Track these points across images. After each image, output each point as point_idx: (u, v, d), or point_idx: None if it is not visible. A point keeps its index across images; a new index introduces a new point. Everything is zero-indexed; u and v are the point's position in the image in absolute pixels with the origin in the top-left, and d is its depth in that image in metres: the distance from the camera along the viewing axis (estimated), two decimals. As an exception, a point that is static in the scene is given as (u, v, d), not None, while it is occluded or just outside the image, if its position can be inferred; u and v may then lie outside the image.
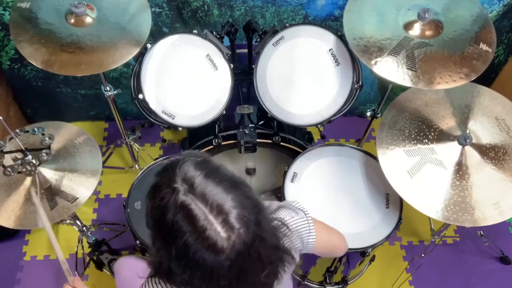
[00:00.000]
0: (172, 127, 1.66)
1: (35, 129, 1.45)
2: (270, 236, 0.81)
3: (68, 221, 1.64)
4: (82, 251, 1.88)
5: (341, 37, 1.61)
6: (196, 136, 1.87)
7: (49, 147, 1.42)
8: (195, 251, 0.73)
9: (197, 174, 0.76)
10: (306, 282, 1.81)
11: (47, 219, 1.25)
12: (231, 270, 0.75)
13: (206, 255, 0.73)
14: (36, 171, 1.36)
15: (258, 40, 1.77)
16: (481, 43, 1.47)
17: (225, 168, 0.82)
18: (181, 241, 0.73)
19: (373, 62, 1.46)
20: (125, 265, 1.51)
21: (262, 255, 0.78)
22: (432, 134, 1.50)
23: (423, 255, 1.85)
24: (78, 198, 1.37)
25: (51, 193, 1.37)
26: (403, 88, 1.54)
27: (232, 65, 1.63)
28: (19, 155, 1.37)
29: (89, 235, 1.78)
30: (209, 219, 0.73)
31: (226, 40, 1.82)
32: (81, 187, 1.39)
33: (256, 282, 0.81)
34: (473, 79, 1.44)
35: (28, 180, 1.37)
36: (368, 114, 1.92)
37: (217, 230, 0.73)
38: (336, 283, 1.82)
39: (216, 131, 1.78)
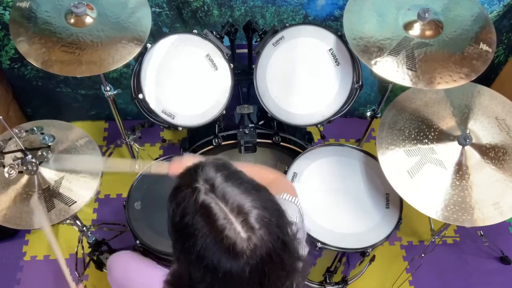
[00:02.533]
0: (172, 127, 1.66)
1: (34, 128, 1.45)
2: (292, 241, 0.79)
3: (68, 221, 1.63)
4: (82, 251, 1.88)
5: (341, 37, 1.61)
6: (196, 136, 1.87)
7: (49, 146, 1.42)
8: (214, 252, 0.71)
9: (218, 176, 0.76)
10: (306, 282, 1.81)
11: (50, 229, 1.23)
12: (252, 275, 0.72)
13: (225, 257, 0.71)
14: (38, 171, 1.36)
15: (258, 40, 1.77)
16: (481, 43, 1.47)
17: (245, 173, 0.81)
18: (200, 242, 0.71)
19: (373, 62, 1.46)
20: (118, 263, 1.50)
21: (284, 260, 0.76)
22: (432, 134, 1.50)
23: (423, 255, 1.85)
24: (76, 201, 1.36)
25: (49, 195, 1.36)
26: (403, 88, 1.54)
27: (232, 65, 1.63)
28: (18, 155, 1.37)
29: (89, 235, 1.77)
30: (229, 218, 0.71)
31: (226, 40, 1.82)
32: (80, 189, 1.39)
33: None
34: (473, 79, 1.44)
35: (24, 179, 1.37)
36: (368, 114, 1.91)
37: (237, 230, 0.71)
38: (336, 283, 1.82)
39: (216, 131, 1.78)
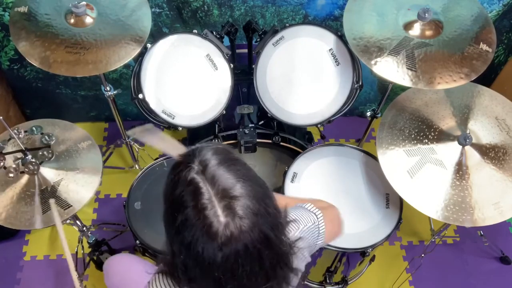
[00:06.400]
0: (172, 127, 1.66)
1: (34, 128, 1.45)
2: (277, 237, 0.77)
3: (68, 221, 1.63)
4: (82, 251, 1.88)
5: (341, 37, 1.61)
6: (196, 136, 1.87)
7: (49, 146, 1.42)
8: (191, 228, 0.72)
9: (213, 158, 0.77)
10: (306, 282, 1.81)
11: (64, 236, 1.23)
12: (223, 262, 0.72)
13: (199, 236, 0.72)
14: (39, 171, 1.36)
15: (258, 40, 1.77)
16: (481, 43, 1.47)
17: (245, 162, 0.82)
18: (182, 216, 0.73)
19: (373, 62, 1.46)
20: (115, 266, 1.50)
21: (263, 257, 0.75)
22: (432, 134, 1.50)
23: (423, 255, 1.85)
24: (71, 206, 1.37)
25: (46, 197, 1.36)
26: (403, 88, 1.54)
27: (232, 65, 1.63)
28: (19, 155, 1.37)
29: (89, 235, 1.77)
30: (212, 200, 0.72)
31: (226, 40, 1.82)
32: (79, 191, 1.39)
33: None
34: (473, 79, 1.44)
35: (24, 179, 1.37)
36: (368, 114, 1.92)
37: (217, 212, 0.71)
38: (336, 283, 1.82)
39: (216, 131, 1.78)
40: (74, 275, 1.24)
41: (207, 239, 0.72)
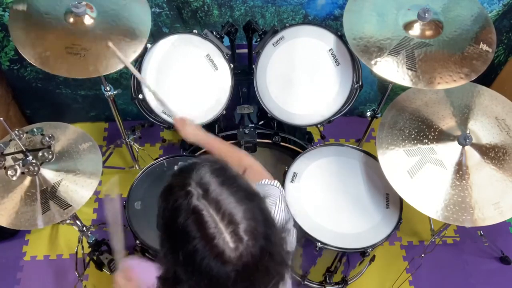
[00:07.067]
0: (172, 127, 1.66)
1: (34, 129, 1.45)
2: (278, 250, 0.80)
3: (68, 221, 1.64)
4: (82, 251, 1.88)
5: (341, 37, 1.61)
6: (196, 136, 1.86)
7: (49, 147, 1.42)
8: (203, 258, 0.72)
9: (213, 181, 0.75)
10: (306, 282, 1.81)
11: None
12: (237, 282, 0.74)
13: (213, 264, 0.72)
14: (39, 172, 1.36)
15: (258, 40, 1.77)
16: (481, 43, 1.47)
17: (242, 177, 0.81)
18: (189, 246, 0.72)
19: (373, 62, 1.46)
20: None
21: (270, 269, 0.77)
22: (432, 134, 1.50)
23: (423, 255, 1.85)
24: (71, 205, 1.36)
25: (46, 197, 1.36)
26: (403, 88, 1.54)
27: (232, 65, 1.63)
28: (19, 156, 1.37)
29: (89, 235, 1.77)
30: (219, 227, 0.72)
31: (226, 40, 1.82)
32: (78, 192, 1.39)
33: None
34: (473, 79, 1.44)
35: (24, 180, 1.37)
36: (368, 114, 1.92)
37: (226, 239, 0.72)
38: (336, 283, 1.82)
39: (216, 131, 1.78)
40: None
41: (221, 264, 0.72)
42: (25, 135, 1.42)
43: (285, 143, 1.76)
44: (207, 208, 0.73)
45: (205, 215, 0.72)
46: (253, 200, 0.78)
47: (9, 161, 1.37)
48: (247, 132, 1.73)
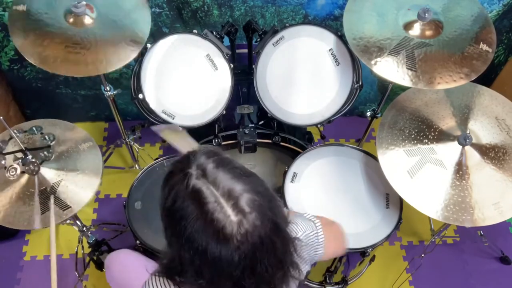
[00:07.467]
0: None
1: (34, 128, 1.45)
2: (284, 224, 0.79)
3: (68, 221, 1.63)
4: (82, 251, 1.88)
5: (341, 37, 1.61)
6: (196, 136, 1.85)
7: (49, 146, 1.42)
8: (203, 235, 0.72)
9: (209, 161, 0.77)
10: (306, 282, 1.81)
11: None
12: (242, 261, 0.72)
13: (214, 241, 0.71)
14: (40, 171, 1.36)
15: (258, 40, 1.77)
16: (481, 43, 1.47)
17: (236, 161, 0.82)
18: (190, 226, 0.72)
19: (373, 62, 1.46)
20: (116, 260, 1.50)
21: (276, 246, 0.76)
22: (432, 134, 1.50)
23: (423, 255, 1.85)
24: (70, 207, 1.36)
25: (45, 197, 1.36)
26: (403, 88, 1.54)
27: (232, 65, 1.63)
28: (19, 155, 1.37)
29: (89, 235, 1.77)
30: (219, 201, 0.72)
31: (226, 40, 1.82)
32: (79, 192, 1.38)
33: (270, 282, 0.78)
34: (473, 79, 1.44)
35: (24, 179, 1.36)
36: (368, 114, 1.92)
37: (227, 213, 0.72)
38: (336, 283, 1.82)
39: (216, 131, 1.78)
40: (54, 276, 1.24)
41: (223, 242, 0.72)
42: (23, 133, 1.42)
43: (285, 143, 1.76)
44: (207, 185, 0.74)
45: (204, 191, 0.73)
46: (250, 176, 0.79)
47: (8, 160, 1.37)
48: (247, 132, 1.73)
